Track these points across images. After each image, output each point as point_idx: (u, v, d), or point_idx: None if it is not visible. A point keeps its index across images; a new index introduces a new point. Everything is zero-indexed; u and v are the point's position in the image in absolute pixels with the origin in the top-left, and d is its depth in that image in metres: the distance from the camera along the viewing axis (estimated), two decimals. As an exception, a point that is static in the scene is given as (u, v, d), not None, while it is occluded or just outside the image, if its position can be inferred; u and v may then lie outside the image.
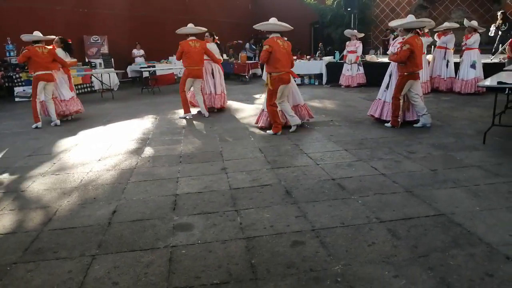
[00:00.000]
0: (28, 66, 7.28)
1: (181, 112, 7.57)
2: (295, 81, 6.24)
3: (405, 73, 5.58)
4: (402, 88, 5.65)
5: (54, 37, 7.47)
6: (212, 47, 7.70)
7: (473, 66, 8.84)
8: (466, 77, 8.93)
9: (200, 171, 4.22)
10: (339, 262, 2.36)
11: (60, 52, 7.29)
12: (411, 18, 5.81)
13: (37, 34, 6.98)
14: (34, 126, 6.86)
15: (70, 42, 7.68)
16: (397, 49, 5.69)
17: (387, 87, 6.03)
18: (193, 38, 7.26)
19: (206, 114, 7.48)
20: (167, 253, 2.55)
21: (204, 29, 7.69)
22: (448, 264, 2.29)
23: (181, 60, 7.40)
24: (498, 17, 11.23)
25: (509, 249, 2.43)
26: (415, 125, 5.88)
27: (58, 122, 7.08)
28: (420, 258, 2.37)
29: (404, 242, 2.56)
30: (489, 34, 11.29)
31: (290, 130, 5.85)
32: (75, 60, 7.85)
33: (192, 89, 7.64)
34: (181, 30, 7.34)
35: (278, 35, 5.68)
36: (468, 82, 8.92)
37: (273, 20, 5.75)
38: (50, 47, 7.18)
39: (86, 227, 2.98)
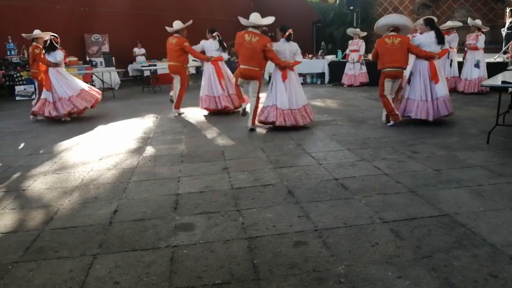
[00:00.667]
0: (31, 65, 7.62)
1: (187, 113, 7.60)
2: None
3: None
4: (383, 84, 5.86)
5: (46, 34, 7.26)
6: (209, 44, 7.45)
7: (477, 65, 8.81)
8: (470, 77, 8.90)
9: (202, 170, 4.20)
10: (342, 263, 2.34)
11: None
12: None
13: (36, 32, 7.24)
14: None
15: (56, 41, 7.12)
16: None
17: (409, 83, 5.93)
18: (177, 34, 7.31)
19: (174, 113, 7.52)
20: (169, 253, 2.53)
21: (188, 23, 7.39)
22: (452, 265, 2.27)
23: None
24: (508, 14, 11.12)
25: (514, 250, 2.40)
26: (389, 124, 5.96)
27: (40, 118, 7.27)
28: (424, 258, 2.35)
29: (407, 242, 2.54)
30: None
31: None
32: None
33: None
34: (171, 29, 7.36)
35: (251, 29, 5.76)
36: (471, 82, 8.89)
37: (253, 16, 5.85)
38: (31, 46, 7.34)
39: (87, 226, 2.96)
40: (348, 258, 2.39)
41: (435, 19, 5.98)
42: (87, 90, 7.44)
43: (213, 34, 7.55)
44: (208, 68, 7.49)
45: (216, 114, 7.46)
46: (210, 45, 7.48)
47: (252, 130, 5.98)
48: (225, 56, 7.73)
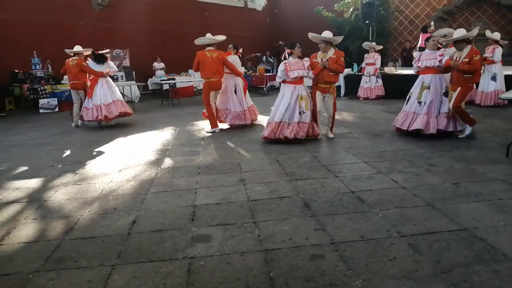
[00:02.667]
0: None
1: (205, 125, 7.53)
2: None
3: (470, 84, 5.73)
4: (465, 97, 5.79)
5: (82, 49, 8.24)
6: (235, 59, 7.45)
7: (493, 78, 8.71)
8: (486, 89, 8.80)
9: (219, 182, 4.24)
10: (359, 277, 2.32)
11: (91, 63, 7.98)
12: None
13: (77, 48, 8.19)
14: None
15: (100, 53, 8.08)
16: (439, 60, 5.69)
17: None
18: (211, 48, 6.99)
19: (218, 130, 7.14)
20: (186, 264, 2.55)
21: (222, 37, 7.23)
22: (472, 280, 2.23)
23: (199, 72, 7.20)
24: None
25: (537, 266, 2.34)
26: (460, 136, 5.82)
27: (79, 123, 8.29)
28: (443, 273, 2.31)
29: (426, 257, 2.51)
30: None
31: None
32: (107, 70, 8.06)
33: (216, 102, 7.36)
34: (198, 41, 7.14)
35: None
36: (488, 94, 8.79)
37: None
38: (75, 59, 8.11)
39: (106, 237, 3.02)
40: (366, 272, 2.37)
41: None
42: (123, 101, 8.36)
43: (239, 51, 7.71)
44: (231, 82, 7.39)
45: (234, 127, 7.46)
46: (233, 60, 7.41)
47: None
48: (243, 71, 7.94)
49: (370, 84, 11.18)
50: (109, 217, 3.40)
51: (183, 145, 6.21)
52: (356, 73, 12.15)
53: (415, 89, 5.97)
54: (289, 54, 5.88)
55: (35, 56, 11.64)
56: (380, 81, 11.13)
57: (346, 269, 2.41)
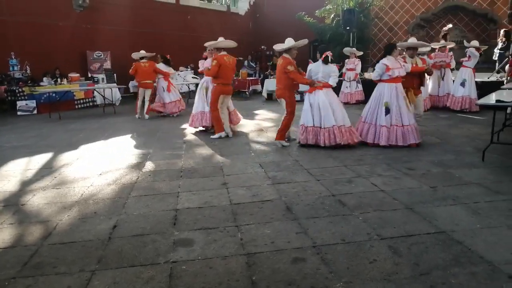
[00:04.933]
0: (135, 76, 9.61)
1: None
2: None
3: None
4: None
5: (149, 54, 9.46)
6: (207, 62, 7.21)
7: (462, 84, 8.96)
8: (456, 94, 9.06)
9: (201, 186, 4.22)
10: (341, 280, 2.35)
11: (161, 65, 9.55)
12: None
13: (142, 52, 9.40)
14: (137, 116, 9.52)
15: (168, 57, 9.88)
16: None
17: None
18: (225, 53, 6.80)
19: (230, 134, 6.97)
20: (168, 269, 2.54)
21: (233, 43, 6.96)
22: (450, 283, 2.28)
23: (208, 76, 7.00)
24: (501, 35, 11.38)
25: (511, 267, 2.42)
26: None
27: (146, 117, 9.43)
28: (422, 276, 2.36)
29: (405, 259, 2.56)
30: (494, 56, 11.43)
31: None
32: (173, 71, 10.02)
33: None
34: (214, 44, 6.88)
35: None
36: (455, 99, 9.05)
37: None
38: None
39: (86, 241, 2.97)
40: (347, 275, 2.40)
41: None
42: (180, 99, 10.01)
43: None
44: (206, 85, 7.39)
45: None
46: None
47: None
48: None
49: (351, 89, 11.37)
50: (89, 222, 3.35)
51: (164, 148, 6.17)
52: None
53: (394, 100, 5.72)
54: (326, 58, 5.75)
55: (13, 57, 11.37)
56: (360, 86, 11.33)
57: (327, 272, 2.44)
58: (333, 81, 5.79)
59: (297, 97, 7.28)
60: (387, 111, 5.76)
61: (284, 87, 5.94)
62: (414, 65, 5.95)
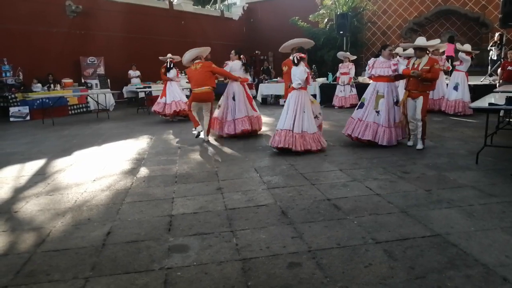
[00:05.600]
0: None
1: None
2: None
3: (427, 92, 5.84)
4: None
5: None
6: (235, 64, 7.28)
7: (455, 88, 9.04)
8: (449, 98, 9.14)
9: (196, 191, 4.20)
10: (336, 284, 2.34)
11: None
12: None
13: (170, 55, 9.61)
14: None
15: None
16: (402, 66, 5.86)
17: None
18: (197, 60, 6.91)
19: (206, 138, 7.05)
20: (162, 275, 2.52)
21: (203, 49, 7.13)
22: (445, 286, 2.28)
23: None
24: (496, 38, 11.52)
25: (506, 270, 2.43)
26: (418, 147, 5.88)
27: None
28: (417, 279, 2.36)
29: (400, 263, 2.56)
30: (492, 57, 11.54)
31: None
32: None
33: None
34: (185, 58, 7.00)
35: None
36: (449, 103, 9.14)
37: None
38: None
39: (79, 248, 2.94)
40: (342, 279, 2.40)
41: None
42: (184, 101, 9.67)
43: (241, 56, 7.46)
44: (232, 89, 7.23)
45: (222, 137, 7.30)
46: (233, 65, 7.27)
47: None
48: (250, 78, 7.84)
49: (345, 93, 11.43)
50: (83, 228, 3.32)
51: (159, 154, 6.14)
52: (331, 82, 12.39)
53: (368, 97, 6.01)
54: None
55: (5, 63, 11.32)
56: (354, 90, 11.39)
57: (323, 276, 2.43)
58: (295, 83, 5.77)
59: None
60: (361, 105, 6.10)
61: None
62: (416, 67, 5.86)
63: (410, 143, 6.04)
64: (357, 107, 6.22)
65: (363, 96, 6.17)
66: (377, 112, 5.90)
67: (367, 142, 6.00)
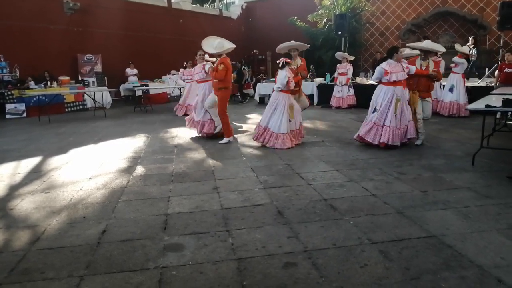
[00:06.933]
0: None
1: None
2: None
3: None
4: None
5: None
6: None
7: (451, 90, 9.07)
8: (444, 99, 9.18)
9: (192, 190, 4.19)
10: (332, 284, 2.34)
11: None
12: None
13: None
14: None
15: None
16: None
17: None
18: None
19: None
20: (157, 274, 2.51)
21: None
22: (440, 287, 2.29)
23: (213, 79, 6.61)
24: (470, 41, 11.68)
25: (501, 271, 2.44)
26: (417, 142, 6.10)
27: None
28: (412, 280, 2.36)
29: (396, 264, 2.56)
30: (473, 59, 11.68)
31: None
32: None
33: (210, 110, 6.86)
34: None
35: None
36: (444, 105, 9.17)
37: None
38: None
39: (74, 247, 2.93)
40: (338, 279, 2.40)
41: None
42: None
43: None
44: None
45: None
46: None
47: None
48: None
49: (342, 94, 11.44)
50: (78, 227, 3.30)
51: (155, 152, 6.13)
52: (329, 83, 12.40)
53: (387, 101, 5.74)
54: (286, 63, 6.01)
55: (2, 59, 11.26)
56: (352, 90, 11.41)
57: (318, 276, 2.43)
58: (275, 86, 6.18)
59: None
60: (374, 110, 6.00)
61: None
62: (424, 68, 5.91)
63: (419, 142, 6.08)
64: (371, 111, 5.95)
65: (377, 101, 5.86)
66: (395, 115, 5.77)
67: (382, 146, 5.79)
